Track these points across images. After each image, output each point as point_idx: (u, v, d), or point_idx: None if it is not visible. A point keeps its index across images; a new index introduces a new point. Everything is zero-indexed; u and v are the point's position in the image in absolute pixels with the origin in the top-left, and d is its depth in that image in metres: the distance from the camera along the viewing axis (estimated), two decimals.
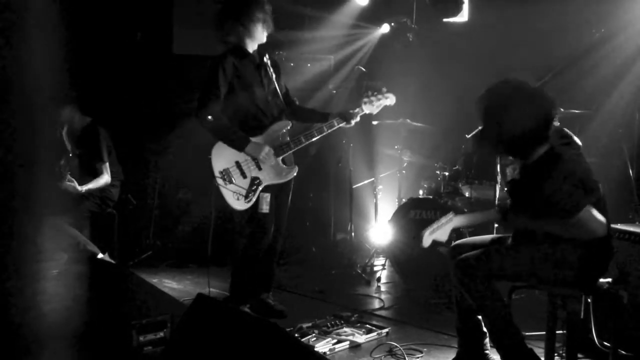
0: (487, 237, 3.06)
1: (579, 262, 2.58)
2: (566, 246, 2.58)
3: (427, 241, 2.87)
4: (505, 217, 2.77)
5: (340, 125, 3.78)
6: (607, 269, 2.67)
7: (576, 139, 2.81)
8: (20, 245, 1.02)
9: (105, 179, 4.51)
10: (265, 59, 3.75)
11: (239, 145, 3.58)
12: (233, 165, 3.60)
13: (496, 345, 2.72)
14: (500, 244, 2.88)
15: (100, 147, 4.52)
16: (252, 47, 3.73)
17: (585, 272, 2.62)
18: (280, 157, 3.69)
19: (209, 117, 3.56)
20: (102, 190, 4.52)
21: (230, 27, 3.66)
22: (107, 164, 4.54)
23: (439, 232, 2.86)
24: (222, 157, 3.59)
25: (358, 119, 3.82)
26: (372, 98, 3.83)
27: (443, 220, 2.88)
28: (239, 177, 3.60)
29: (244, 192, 3.57)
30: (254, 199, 3.60)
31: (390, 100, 3.91)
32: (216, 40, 3.72)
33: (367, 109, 3.84)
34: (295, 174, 3.74)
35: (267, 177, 3.65)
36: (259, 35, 3.70)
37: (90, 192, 4.43)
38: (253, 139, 3.60)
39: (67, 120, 4.48)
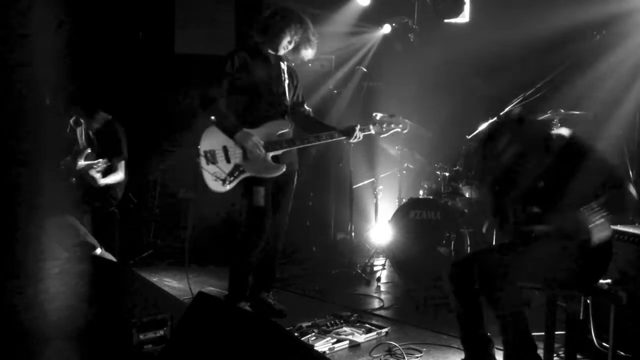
0: (487, 247, 3.05)
1: (577, 263, 2.58)
2: (563, 247, 2.59)
3: None
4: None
5: (341, 138, 3.81)
6: (606, 270, 2.67)
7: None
8: (23, 244, 1.02)
9: (120, 175, 4.48)
10: (282, 64, 3.81)
11: (229, 130, 3.63)
12: (220, 148, 3.65)
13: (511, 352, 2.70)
14: (503, 248, 2.89)
15: (120, 144, 4.48)
16: (271, 50, 3.78)
17: (584, 273, 2.62)
18: (271, 153, 3.69)
19: (210, 101, 3.65)
20: (108, 187, 4.50)
21: (259, 28, 3.74)
22: (124, 162, 4.51)
23: None
24: (212, 139, 3.66)
25: (361, 137, 3.82)
26: (384, 122, 3.87)
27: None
28: (223, 160, 3.64)
29: (223, 175, 3.60)
30: (231, 185, 3.63)
31: (402, 127, 3.94)
32: (250, 33, 3.79)
33: (375, 131, 3.87)
34: (280, 172, 3.70)
35: (250, 168, 3.65)
36: (281, 49, 3.75)
37: (94, 188, 4.41)
38: (246, 130, 3.63)
39: (80, 118, 4.47)
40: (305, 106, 4.00)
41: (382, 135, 3.94)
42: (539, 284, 2.73)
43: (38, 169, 1.08)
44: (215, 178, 3.60)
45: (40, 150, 1.08)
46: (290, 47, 3.76)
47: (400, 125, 3.93)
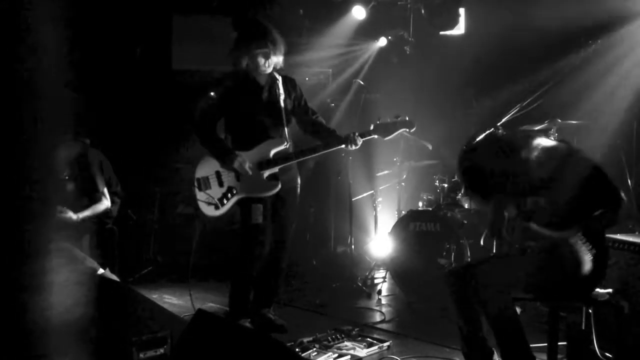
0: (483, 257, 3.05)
1: (572, 271, 2.58)
2: (558, 255, 2.58)
3: None
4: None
5: (339, 147, 3.79)
6: (604, 276, 2.67)
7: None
8: (28, 260, 1.02)
9: (104, 205, 4.41)
10: (277, 80, 3.76)
11: (217, 156, 3.75)
12: (213, 173, 3.77)
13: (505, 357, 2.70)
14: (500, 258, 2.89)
15: (94, 177, 4.39)
16: (258, 72, 3.76)
17: (579, 281, 2.62)
18: (266, 172, 3.71)
19: (201, 128, 3.80)
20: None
21: (236, 56, 3.77)
22: (105, 190, 4.45)
23: None
24: (206, 166, 3.79)
25: (359, 144, 3.74)
26: (389, 125, 3.76)
27: None
28: (216, 185, 3.75)
29: (214, 200, 3.71)
30: (226, 208, 3.72)
31: (409, 127, 3.79)
32: (227, 60, 3.86)
33: (378, 135, 3.77)
34: (276, 190, 3.71)
35: (243, 188, 3.72)
36: (262, 67, 3.71)
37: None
38: (239, 153, 3.70)
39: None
40: (312, 114, 3.92)
41: (388, 138, 3.80)
42: (534, 293, 2.72)
43: (43, 189, 1.07)
44: (208, 203, 3.71)
45: (42, 170, 1.08)
46: (268, 62, 3.69)
47: (407, 126, 3.79)
